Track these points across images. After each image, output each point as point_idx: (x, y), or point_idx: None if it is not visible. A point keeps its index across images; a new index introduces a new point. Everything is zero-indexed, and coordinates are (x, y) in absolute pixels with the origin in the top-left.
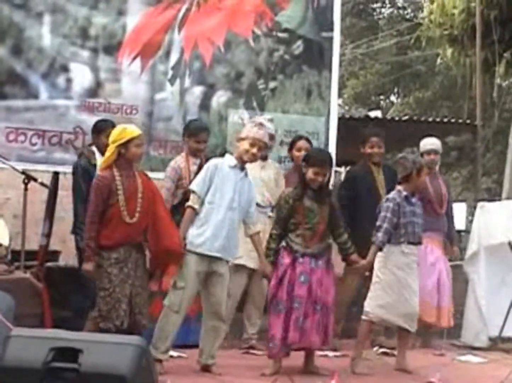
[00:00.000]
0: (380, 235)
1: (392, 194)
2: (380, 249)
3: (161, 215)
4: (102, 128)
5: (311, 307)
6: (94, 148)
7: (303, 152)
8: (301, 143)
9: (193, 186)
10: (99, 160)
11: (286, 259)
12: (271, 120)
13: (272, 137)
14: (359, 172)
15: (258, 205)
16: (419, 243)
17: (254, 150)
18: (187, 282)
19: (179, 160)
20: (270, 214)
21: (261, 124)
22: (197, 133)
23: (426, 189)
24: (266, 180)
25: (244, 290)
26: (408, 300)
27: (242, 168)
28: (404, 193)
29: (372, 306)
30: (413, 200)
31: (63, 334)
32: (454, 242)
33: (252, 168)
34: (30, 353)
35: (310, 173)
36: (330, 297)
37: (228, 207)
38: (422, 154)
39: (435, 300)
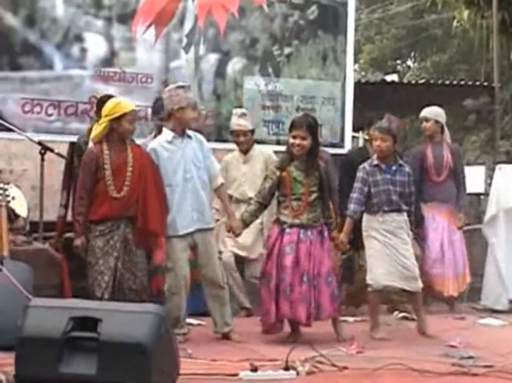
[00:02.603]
0: (351, 205)
1: (364, 164)
2: (354, 221)
3: (149, 192)
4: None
5: (298, 278)
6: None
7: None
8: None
9: None
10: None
11: (275, 232)
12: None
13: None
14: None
15: (239, 200)
16: (398, 209)
17: (196, 114)
18: (174, 263)
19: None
20: None
21: (183, 87)
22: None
23: (424, 157)
24: (250, 175)
25: None
26: (399, 263)
27: (182, 135)
28: (375, 162)
29: (371, 276)
30: (393, 167)
31: (82, 303)
32: (462, 209)
33: (234, 164)
34: (50, 323)
35: (290, 139)
36: (324, 267)
37: (183, 180)
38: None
39: (439, 270)
